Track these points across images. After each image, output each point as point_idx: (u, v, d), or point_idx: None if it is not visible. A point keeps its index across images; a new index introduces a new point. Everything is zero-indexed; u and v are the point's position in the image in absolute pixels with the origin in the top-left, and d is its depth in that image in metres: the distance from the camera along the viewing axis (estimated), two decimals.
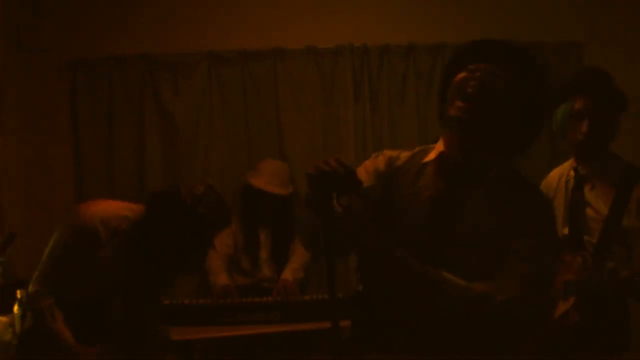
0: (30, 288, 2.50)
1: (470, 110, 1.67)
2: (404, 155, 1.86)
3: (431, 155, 1.80)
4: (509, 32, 4.27)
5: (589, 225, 2.58)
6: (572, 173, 2.71)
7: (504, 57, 1.72)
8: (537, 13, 4.33)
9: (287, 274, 3.71)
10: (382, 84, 4.38)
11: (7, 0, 4.15)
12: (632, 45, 4.27)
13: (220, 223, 2.55)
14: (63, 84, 4.33)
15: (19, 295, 2.85)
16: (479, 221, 1.69)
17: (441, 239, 1.69)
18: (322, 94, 4.35)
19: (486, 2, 4.37)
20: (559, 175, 2.77)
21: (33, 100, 4.28)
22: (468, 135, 1.70)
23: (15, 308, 2.84)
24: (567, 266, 2.57)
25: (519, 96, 1.70)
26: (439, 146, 1.79)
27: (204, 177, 4.25)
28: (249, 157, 4.31)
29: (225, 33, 4.32)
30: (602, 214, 2.54)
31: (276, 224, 3.89)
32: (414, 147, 1.89)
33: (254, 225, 3.90)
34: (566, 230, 2.65)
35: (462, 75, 1.71)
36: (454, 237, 1.69)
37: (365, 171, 1.81)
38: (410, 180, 1.78)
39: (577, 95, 2.59)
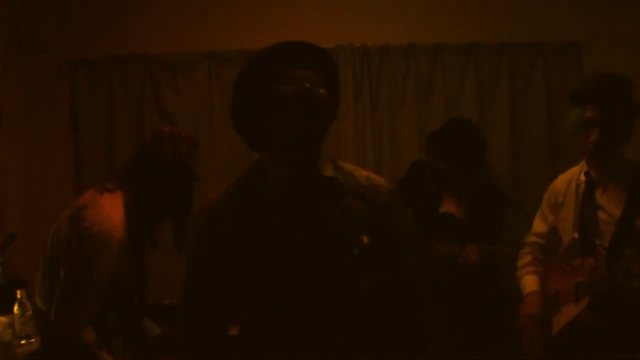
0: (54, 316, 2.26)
1: (319, 116, 1.69)
2: (214, 205, 1.84)
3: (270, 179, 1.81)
4: (509, 32, 4.34)
5: (600, 229, 2.56)
6: (582, 177, 2.68)
7: (311, 58, 1.73)
8: (537, 13, 4.32)
9: None
10: (382, 84, 4.37)
11: (7, 0, 4.15)
12: (632, 45, 4.26)
13: (187, 155, 2.50)
14: (63, 84, 4.33)
15: (19, 296, 2.85)
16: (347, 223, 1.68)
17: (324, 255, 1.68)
18: None
19: (486, 2, 4.36)
20: (568, 181, 2.75)
21: (33, 100, 4.28)
22: (314, 140, 1.72)
23: (15, 308, 2.84)
24: (579, 268, 2.56)
25: (330, 93, 1.72)
26: (273, 167, 1.80)
27: (204, 176, 4.24)
28: (249, 157, 4.28)
29: (225, 33, 4.32)
30: (614, 216, 2.53)
31: None
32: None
33: None
34: (576, 235, 2.64)
35: (289, 88, 1.68)
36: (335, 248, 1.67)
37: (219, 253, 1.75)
38: (251, 217, 1.76)
39: (587, 104, 2.57)
